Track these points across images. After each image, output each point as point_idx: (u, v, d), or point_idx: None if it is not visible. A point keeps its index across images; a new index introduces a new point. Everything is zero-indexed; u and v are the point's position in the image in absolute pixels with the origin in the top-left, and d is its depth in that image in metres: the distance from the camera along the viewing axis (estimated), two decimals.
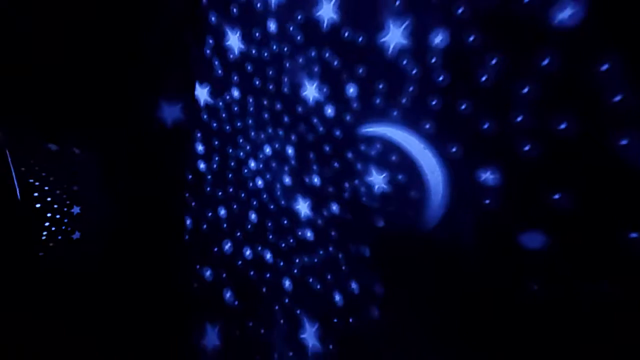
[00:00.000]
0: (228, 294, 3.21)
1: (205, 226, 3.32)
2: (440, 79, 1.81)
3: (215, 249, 3.23)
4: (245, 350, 3.10)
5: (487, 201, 1.85)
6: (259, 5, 2.48)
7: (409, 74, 1.91)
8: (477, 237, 1.91)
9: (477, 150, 1.78)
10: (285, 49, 2.44)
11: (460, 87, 1.74)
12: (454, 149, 1.88)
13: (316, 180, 2.58)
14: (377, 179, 2.25)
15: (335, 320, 2.66)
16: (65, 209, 2.46)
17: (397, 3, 1.82)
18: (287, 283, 2.88)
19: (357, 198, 2.42)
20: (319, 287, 2.73)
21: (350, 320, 2.60)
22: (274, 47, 2.49)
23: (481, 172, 1.82)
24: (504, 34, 1.55)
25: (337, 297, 2.62)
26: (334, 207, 2.54)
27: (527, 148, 1.65)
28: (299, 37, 2.34)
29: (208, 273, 3.28)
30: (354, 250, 2.52)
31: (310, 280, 2.75)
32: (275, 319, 2.97)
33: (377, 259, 2.43)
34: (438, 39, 1.74)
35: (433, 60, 1.81)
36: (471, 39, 1.65)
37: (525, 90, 1.61)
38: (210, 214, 3.30)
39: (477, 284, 1.98)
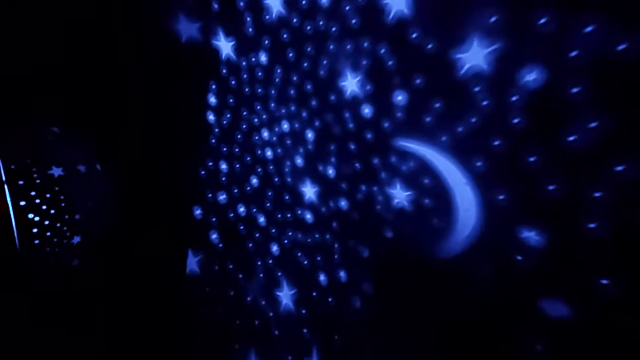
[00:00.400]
0: (214, 236, 2.86)
1: (203, 172, 2.88)
2: (515, 121, 1.38)
3: (210, 195, 2.82)
4: (220, 283, 2.82)
5: (519, 258, 1.53)
6: None
7: (478, 103, 1.46)
8: (493, 290, 1.60)
9: (531, 207, 1.42)
10: (334, 29, 1.89)
11: (537, 138, 1.34)
12: (501, 197, 1.51)
13: (331, 172, 2.16)
14: (400, 194, 1.86)
15: (314, 294, 2.38)
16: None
17: (492, 20, 1.34)
18: (274, 248, 2.54)
19: (371, 203, 2.03)
20: (305, 262, 2.40)
21: (330, 299, 2.32)
22: (321, 22, 1.93)
23: (525, 229, 1.48)
24: (618, 96, 1.14)
25: (322, 277, 2.32)
26: (343, 203, 2.15)
27: (592, 225, 1.32)
28: (354, 21, 1.79)
29: (198, 212, 2.90)
30: (353, 245, 2.17)
31: (299, 254, 2.42)
32: (256, 271, 2.67)
33: (375, 262, 2.11)
34: (531, 76, 1.31)
35: (514, 98, 1.37)
36: (574, 90, 1.23)
37: (620, 168, 1.20)
38: (210, 164, 2.85)
39: (473, 330, 1.72)
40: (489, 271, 1.62)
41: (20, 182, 1.66)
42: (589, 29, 1.16)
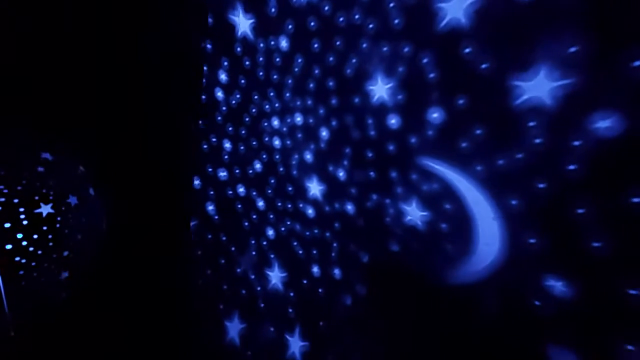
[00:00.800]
0: (210, 207, 2.54)
1: (205, 146, 2.50)
2: (571, 167, 1.10)
3: (210, 169, 2.46)
4: (212, 250, 2.54)
5: (538, 303, 1.30)
6: None
7: (529, 139, 1.15)
8: (498, 326, 1.37)
9: (566, 259, 1.17)
10: (371, 26, 1.50)
11: (594, 190, 1.06)
12: (532, 240, 1.25)
13: (342, 174, 1.84)
14: (414, 212, 1.56)
15: (305, 282, 2.14)
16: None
17: (571, 50, 1.00)
18: (270, 232, 2.25)
19: (380, 214, 1.74)
20: (300, 252, 2.13)
21: (320, 290, 2.08)
22: (357, 16, 1.53)
23: (552, 278, 1.23)
24: None
25: (315, 269, 2.06)
26: (349, 207, 1.85)
27: (632, 292, 1.08)
28: (397, 21, 1.39)
29: (197, 182, 2.55)
30: (353, 249, 1.90)
31: (295, 244, 2.15)
32: (249, 248, 2.40)
33: (373, 269, 1.86)
34: (604, 123, 1.00)
35: (576, 143, 1.07)
36: None
37: None
38: (214, 140, 2.47)
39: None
40: (498, 307, 1.39)
41: (7, 225, 1.28)
42: None
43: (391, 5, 1.36)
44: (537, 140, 1.11)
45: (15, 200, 1.27)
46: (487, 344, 1.38)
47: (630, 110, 0.96)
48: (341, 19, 1.55)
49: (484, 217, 1.29)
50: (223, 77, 2.24)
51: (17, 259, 1.22)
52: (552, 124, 1.07)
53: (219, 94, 2.28)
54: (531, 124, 1.10)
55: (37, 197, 1.31)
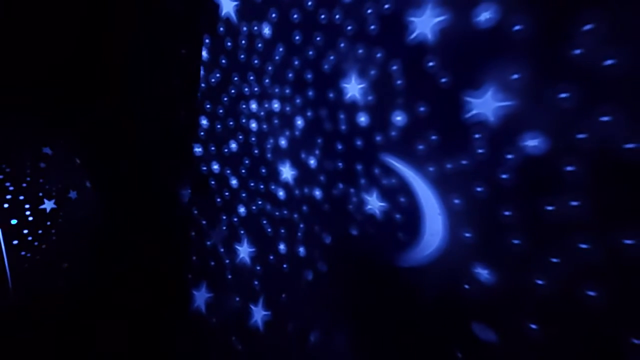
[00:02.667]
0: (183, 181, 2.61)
1: (189, 138, 2.53)
2: (504, 176, 1.24)
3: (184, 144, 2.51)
4: (182, 224, 2.63)
5: (467, 287, 1.51)
6: None
7: (473, 149, 1.29)
8: (436, 303, 1.58)
9: (492, 252, 1.37)
10: (349, 28, 1.59)
11: (518, 197, 1.24)
12: (468, 234, 1.44)
13: (312, 161, 1.97)
14: (374, 202, 1.72)
15: (271, 258, 2.29)
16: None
17: (513, 77, 1.13)
18: (241, 210, 2.36)
19: (344, 201, 1.89)
20: (269, 230, 2.27)
21: (284, 265, 2.24)
22: (337, 16, 1.61)
23: (479, 266, 1.43)
24: (609, 192, 1.04)
25: (282, 247, 2.21)
26: (317, 192, 1.99)
27: (539, 282, 1.29)
28: (372, 27, 1.50)
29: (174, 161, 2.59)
30: (317, 230, 2.06)
31: (264, 222, 2.28)
32: (219, 223, 2.50)
33: (334, 249, 2.02)
34: (532, 142, 1.16)
35: (509, 156, 1.22)
36: (568, 168, 1.11)
37: (584, 246, 1.12)
38: (195, 123, 2.50)
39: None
40: (437, 288, 1.60)
41: (14, 222, 1.28)
42: (605, 118, 1.04)
43: (369, 11, 1.46)
44: (480, 151, 1.28)
45: (21, 197, 1.29)
46: (427, 318, 1.60)
47: (553, 134, 1.14)
48: (322, 17, 1.63)
49: (431, 212, 1.47)
50: (204, 54, 2.26)
51: (23, 253, 1.25)
52: (492, 138, 1.24)
53: (201, 73, 2.30)
54: (476, 135, 1.27)
55: (40, 194, 1.33)
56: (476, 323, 1.46)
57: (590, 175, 1.09)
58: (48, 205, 1.32)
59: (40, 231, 1.29)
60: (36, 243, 1.28)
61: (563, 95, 1.09)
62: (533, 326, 1.31)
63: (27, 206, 1.27)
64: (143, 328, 2.38)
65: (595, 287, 1.14)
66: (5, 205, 1.24)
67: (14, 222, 1.25)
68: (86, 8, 1.93)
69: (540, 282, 1.27)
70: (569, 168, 1.12)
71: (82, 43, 1.95)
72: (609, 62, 1.00)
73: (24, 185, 1.29)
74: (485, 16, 1.17)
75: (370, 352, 1.90)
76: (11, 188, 1.26)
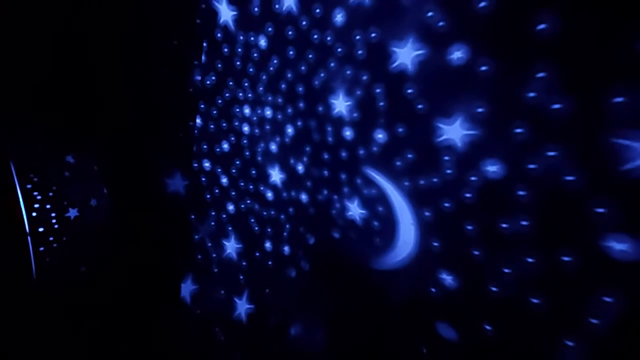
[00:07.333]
0: (177, 175, 2.73)
1: (181, 134, 2.64)
2: (467, 195, 1.43)
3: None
4: (173, 225, 2.76)
5: (433, 290, 1.69)
6: None
7: (443, 169, 1.48)
8: (404, 303, 1.77)
9: (457, 261, 1.55)
10: (339, 50, 1.74)
11: (478, 214, 1.42)
12: (436, 244, 1.62)
13: (300, 167, 2.12)
14: (355, 210, 1.89)
15: (257, 254, 2.44)
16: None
17: (478, 110, 1.31)
18: (230, 207, 2.50)
19: (328, 206, 2.05)
20: (256, 229, 2.42)
21: (269, 263, 2.40)
22: (329, 38, 1.76)
23: (445, 273, 1.62)
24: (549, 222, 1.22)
25: (268, 245, 2.37)
26: (303, 196, 2.15)
27: (493, 288, 1.48)
28: (360, 52, 1.66)
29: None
30: (302, 232, 2.22)
31: (252, 220, 2.42)
32: (208, 218, 2.63)
33: (317, 250, 2.19)
34: (492, 168, 1.34)
35: (472, 178, 1.41)
36: (520, 193, 1.30)
37: (531, 260, 1.32)
38: (188, 121, 2.61)
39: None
40: (407, 290, 1.79)
41: (40, 230, 1.36)
42: (551, 153, 1.23)
43: (357, 37, 1.61)
44: (448, 171, 1.47)
45: (48, 206, 1.38)
46: (396, 316, 1.79)
47: (509, 162, 1.32)
48: (315, 37, 1.77)
49: (405, 221, 1.65)
50: (203, 58, 2.37)
51: (47, 260, 1.34)
52: (459, 161, 1.42)
53: (197, 77, 2.42)
54: (446, 157, 1.45)
55: (65, 202, 1.42)
56: (440, 322, 1.66)
57: (537, 200, 1.29)
58: (72, 213, 1.43)
59: (64, 238, 1.40)
60: (58, 248, 1.38)
61: (518, 130, 1.28)
62: (487, 327, 1.51)
63: (53, 214, 1.38)
64: (133, 318, 2.52)
65: (538, 295, 1.35)
66: (34, 214, 1.34)
67: (41, 229, 1.35)
68: (99, 15, 2.02)
69: (494, 288, 1.46)
70: (520, 192, 1.31)
71: (94, 50, 2.05)
72: (556, 106, 1.19)
73: (50, 194, 1.39)
74: (457, 55, 1.35)
75: (345, 345, 2.09)
76: (39, 197, 1.37)
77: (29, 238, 1.31)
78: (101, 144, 1.85)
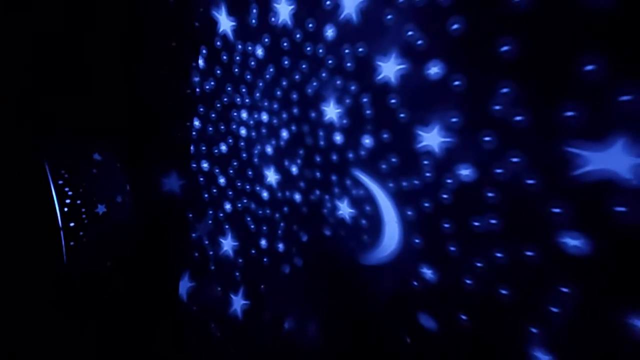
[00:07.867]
0: (174, 174, 2.85)
1: (179, 135, 2.77)
2: (444, 196, 1.58)
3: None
4: (171, 223, 2.88)
5: (415, 283, 1.84)
6: (328, 3, 1.81)
7: (422, 172, 1.63)
8: (390, 295, 1.91)
9: (436, 256, 1.69)
10: (330, 62, 1.88)
11: (455, 213, 1.57)
12: (417, 240, 1.76)
13: (294, 169, 2.26)
14: (345, 209, 2.04)
15: (253, 252, 2.58)
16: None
17: (453, 120, 1.46)
18: (227, 206, 2.64)
19: (320, 206, 2.20)
20: (252, 227, 2.56)
21: (265, 260, 2.54)
22: (320, 50, 1.90)
23: (425, 267, 1.77)
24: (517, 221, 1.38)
25: (263, 242, 2.51)
26: (297, 196, 2.29)
27: (469, 281, 1.63)
28: (349, 64, 1.81)
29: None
30: (295, 230, 2.36)
31: (248, 219, 2.56)
32: (206, 216, 2.76)
33: (310, 246, 2.33)
34: (465, 172, 1.49)
35: (448, 181, 1.56)
36: (489, 194, 1.45)
37: (500, 255, 1.48)
38: (187, 123, 2.74)
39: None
40: (391, 283, 1.93)
41: (72, 225, 1.48)
42: (514, 159, 1.38)
43: (346, 51, 1.76)
44: (427, 174, 1.62)
45: (78, 202, 1.49)
46: (383, 309, 1.94)
47: (480, 167, 1.47)
48: (308, 49, 1.92)
49: (390, 220, 1.80)
50: (200, 62, 2.50)
51: (78, 254, 1.44)
52: (437, 165, 1.58)
53: (196, 79, 2.55)
54: (425, 162, 1.60)
55: (94, 198, 1.53)
56: (421, 313, 1.81)
57: (504, 201, 1.44)
58: (101, 209, 1.54)
59: (94, 233, 1.51)
60: (88, 243, 1.49)
61: (487, 138, 1.43)
62: (463, 316, 1.66)
63: (83, 210, 1.49)
64: (132, 316, 2.65)
65: (506, 287, 1.50)
66: (65, 209, 1.45)
67: (72, 224, 1.47)
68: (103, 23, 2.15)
69: (469, 281, 1.61)
70: (490, 194, 1.46)
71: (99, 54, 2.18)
72: (518, 118, 1.34)
73: (81, 190, 1.50)
74: (434, 70, 1.51)
75: (336, 337, 2.23)
76: (70, 193, 1.48)
77: (61, 232, 1.42)
78: (123, 141, 1.97)
